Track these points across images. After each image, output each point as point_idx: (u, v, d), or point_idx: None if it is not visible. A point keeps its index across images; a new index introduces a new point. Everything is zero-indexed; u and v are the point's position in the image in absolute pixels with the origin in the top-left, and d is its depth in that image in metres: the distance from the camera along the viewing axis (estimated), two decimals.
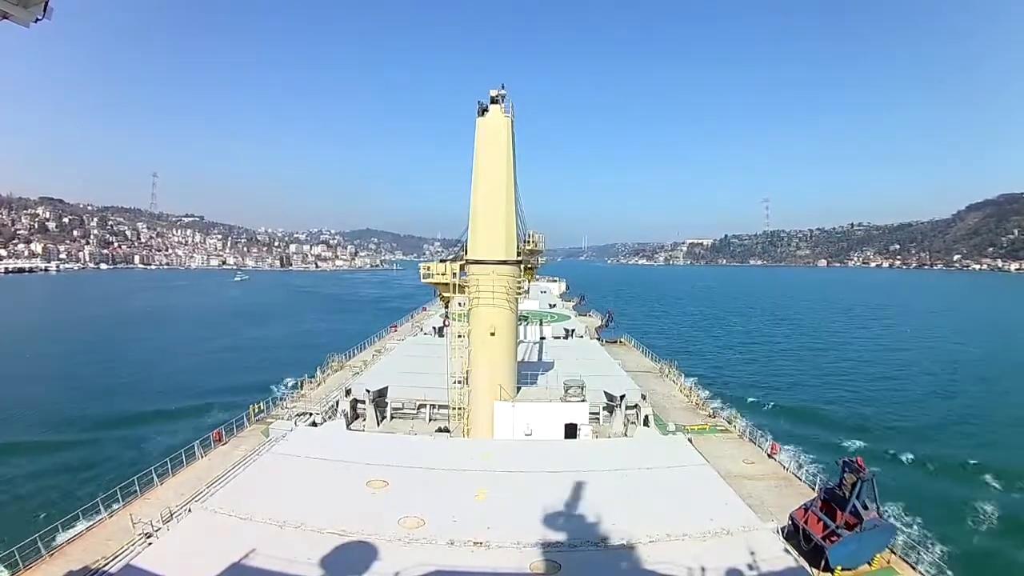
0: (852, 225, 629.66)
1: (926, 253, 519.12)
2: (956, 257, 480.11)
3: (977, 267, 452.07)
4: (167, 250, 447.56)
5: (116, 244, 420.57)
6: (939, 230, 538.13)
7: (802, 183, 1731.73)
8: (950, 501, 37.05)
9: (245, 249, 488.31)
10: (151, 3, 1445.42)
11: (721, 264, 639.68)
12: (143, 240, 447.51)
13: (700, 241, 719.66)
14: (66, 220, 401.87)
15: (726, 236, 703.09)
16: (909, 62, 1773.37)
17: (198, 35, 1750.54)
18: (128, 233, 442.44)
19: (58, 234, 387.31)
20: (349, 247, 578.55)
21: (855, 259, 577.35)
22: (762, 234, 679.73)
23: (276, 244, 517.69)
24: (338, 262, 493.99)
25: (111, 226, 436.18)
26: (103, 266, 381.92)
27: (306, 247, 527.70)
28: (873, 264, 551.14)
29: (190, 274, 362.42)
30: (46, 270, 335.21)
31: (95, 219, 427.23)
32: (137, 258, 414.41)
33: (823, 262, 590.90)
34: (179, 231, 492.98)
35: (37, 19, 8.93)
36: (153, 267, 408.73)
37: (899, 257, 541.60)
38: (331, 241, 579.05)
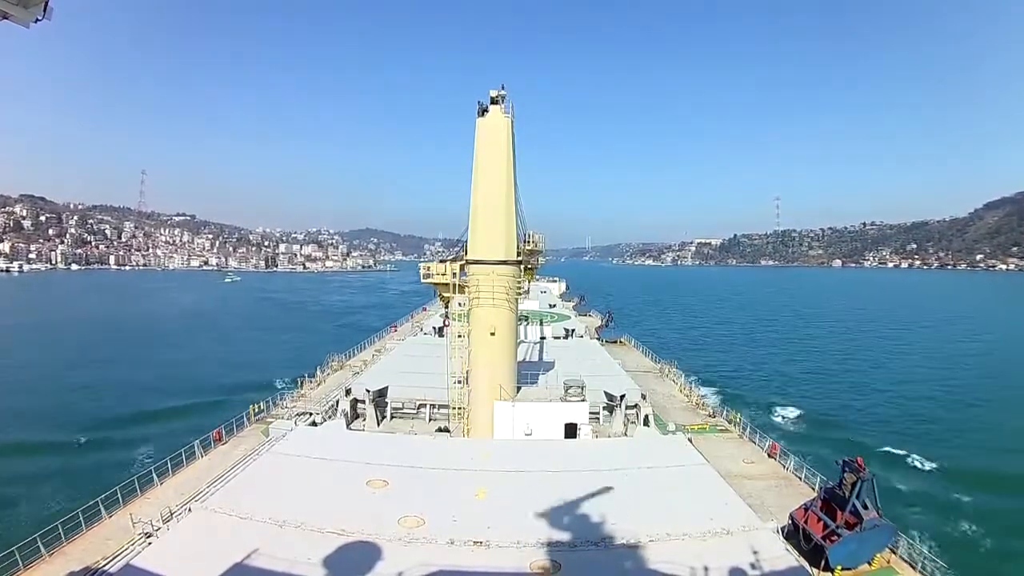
0: (864, 224, 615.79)
1: (946, 253, 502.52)
2: (979, 257, 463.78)
3: (1004, 267, 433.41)
4: (147, 250, 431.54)
5: (94, 243, 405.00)
6: (956, 229, 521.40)
7: (805, 183, 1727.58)
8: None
9: (231, 249, 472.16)
10: (151, 3, 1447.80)
11: (731, 264, 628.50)
12: (124, 240, 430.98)
13: (708, 241, 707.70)
14: (43, 218, 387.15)
15: (735, 236, 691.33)
16: (909, 62, 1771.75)
17: (198, 35, 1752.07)
18: (108, 232, 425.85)
19: (32, 232, 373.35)
20: (341, 247, 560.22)
21: (871, 259, 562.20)
22: (772, 233, 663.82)
23: (266, 244, 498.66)
24: (328, 263, 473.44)
25: (91, 225, 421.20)
26: (74, 267, 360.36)
27: (296, 247, 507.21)
28: (891, 264, 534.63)
29: (166, 275, 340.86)
30: (7, 271, 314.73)
31: (75, 217, 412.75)
32: (112, 259, 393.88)
33: (838, 262, 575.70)
34: (167, 230, 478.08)
35: (37, 19, 8.94)
36: (127, 268, 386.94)
37: (917, 256, 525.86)
38: (328, 241, 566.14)
